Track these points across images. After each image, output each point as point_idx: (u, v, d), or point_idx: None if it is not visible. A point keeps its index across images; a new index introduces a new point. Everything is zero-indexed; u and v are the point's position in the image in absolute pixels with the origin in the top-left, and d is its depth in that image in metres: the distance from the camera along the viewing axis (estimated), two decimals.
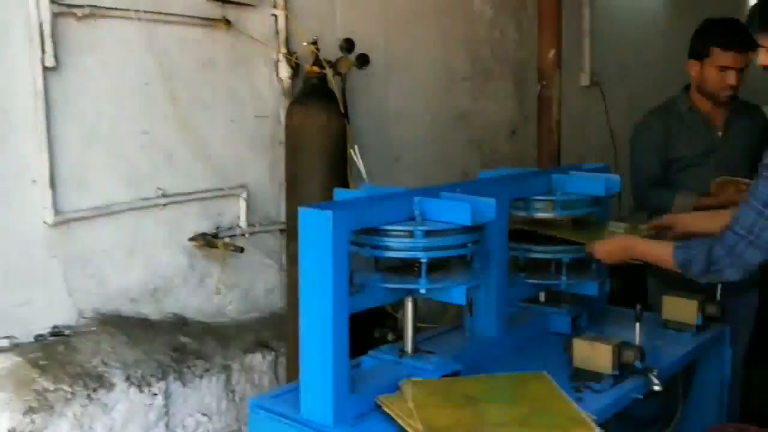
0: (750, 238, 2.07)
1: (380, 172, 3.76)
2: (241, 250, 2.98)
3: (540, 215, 2.60)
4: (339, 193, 2.22)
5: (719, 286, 2.77)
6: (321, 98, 2.97)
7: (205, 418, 2.85)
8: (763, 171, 2.08)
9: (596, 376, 2.22)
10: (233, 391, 2.94)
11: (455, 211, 2.03)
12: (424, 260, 2.02)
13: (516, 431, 1.79)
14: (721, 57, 3.01)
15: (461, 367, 2.17)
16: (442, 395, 1.95)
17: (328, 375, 1.90)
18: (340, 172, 2.94)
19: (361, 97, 3.55)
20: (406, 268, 2.11)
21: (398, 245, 2.02)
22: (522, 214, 2.61)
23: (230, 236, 3.05)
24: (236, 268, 3.10)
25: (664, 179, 3.19)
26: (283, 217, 3.21)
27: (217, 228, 3.03)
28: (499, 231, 2.40)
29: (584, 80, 5.15)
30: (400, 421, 1.87)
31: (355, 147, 2.23)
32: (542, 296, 2.77)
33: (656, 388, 2.22)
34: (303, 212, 1.89)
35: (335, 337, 1.89)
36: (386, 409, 1.92)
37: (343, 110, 2.97)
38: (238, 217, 3.11)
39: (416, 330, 2.23)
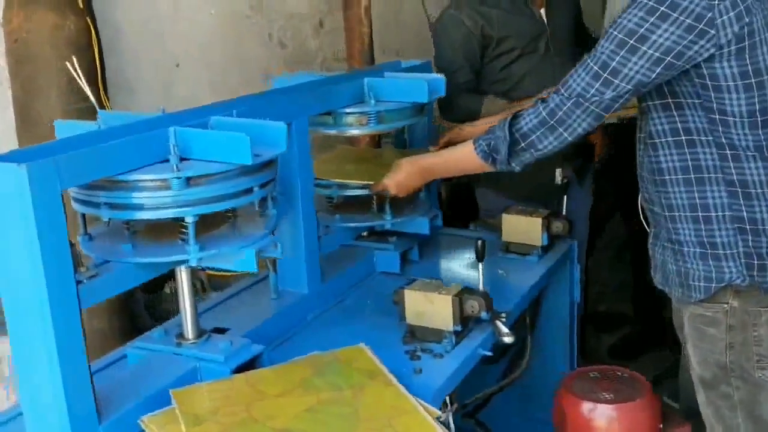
0: (580, 102, 1.68)
1: (158, 81, 3.07)
2: None
3: (352, 132, 2.06)
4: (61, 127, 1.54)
5: (565, 199, 2.39)
6: None
7: None
8: (608, 29, 1.66)
9: (436, 335, 1.76)
10: None
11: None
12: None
13: None
14: None
15: (262, 348, 1.63)
16: (235, 404, 1.39)
17: (59, 395, 1.31)
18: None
19: None
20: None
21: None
22: (332, 131, 2.07)
23: None
24: None
25: (476, 84, 2.63)
26: None
27: None
28: (301, 158, 1.84)
29: None
30: None
31: (73, 59, 1.56)
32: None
33: (507, 339, 1.79)
34: None
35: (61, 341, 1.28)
36: None
37: (82, 5, 2.21)
38: None
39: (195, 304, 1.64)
